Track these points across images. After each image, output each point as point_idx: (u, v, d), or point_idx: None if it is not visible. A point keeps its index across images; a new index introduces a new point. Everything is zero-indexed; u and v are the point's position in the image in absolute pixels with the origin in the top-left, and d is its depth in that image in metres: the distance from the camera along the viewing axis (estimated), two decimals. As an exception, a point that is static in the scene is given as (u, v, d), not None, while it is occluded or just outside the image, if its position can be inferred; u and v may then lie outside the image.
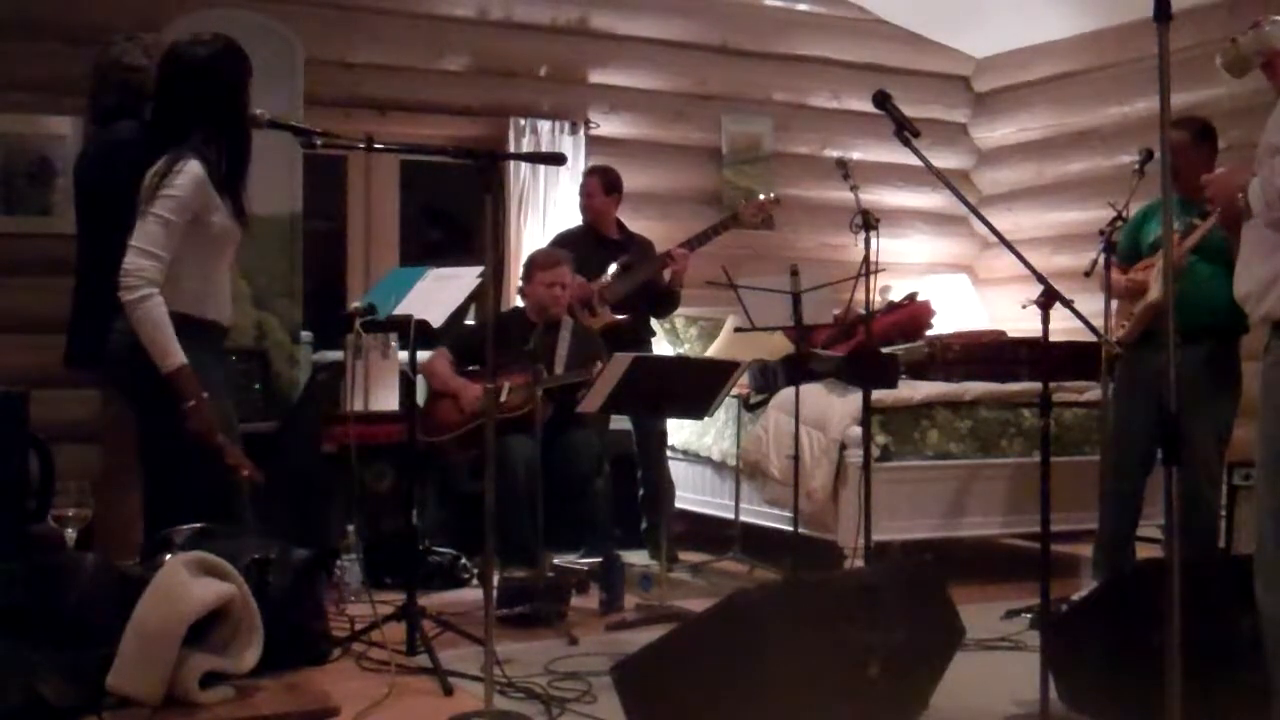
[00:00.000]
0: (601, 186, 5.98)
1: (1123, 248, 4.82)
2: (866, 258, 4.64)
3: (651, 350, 6.02)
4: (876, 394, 4.99)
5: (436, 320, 4.17)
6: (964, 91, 7.93)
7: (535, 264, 5.44)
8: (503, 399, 4.95)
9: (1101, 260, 4.77)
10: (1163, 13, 2.30)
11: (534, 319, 5.28)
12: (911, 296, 6.73)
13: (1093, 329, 3.36)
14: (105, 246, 3.50)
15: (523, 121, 6.61)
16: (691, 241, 5.90)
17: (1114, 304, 4.81)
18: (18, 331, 5.46)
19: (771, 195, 6.32)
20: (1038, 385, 3.51)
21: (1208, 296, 4.28)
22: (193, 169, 3.42)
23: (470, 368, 5.30)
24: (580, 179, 6.24)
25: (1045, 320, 3.29)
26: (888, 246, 5.79)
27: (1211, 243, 4.26)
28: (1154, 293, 4.53)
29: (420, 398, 5.20)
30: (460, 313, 4.37)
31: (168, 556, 2.92)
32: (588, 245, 5.84)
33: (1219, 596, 3.03)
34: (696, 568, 5.68)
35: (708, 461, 6.11)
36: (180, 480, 3.49)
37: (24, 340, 5.39)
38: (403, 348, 4.79)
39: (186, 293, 3.49)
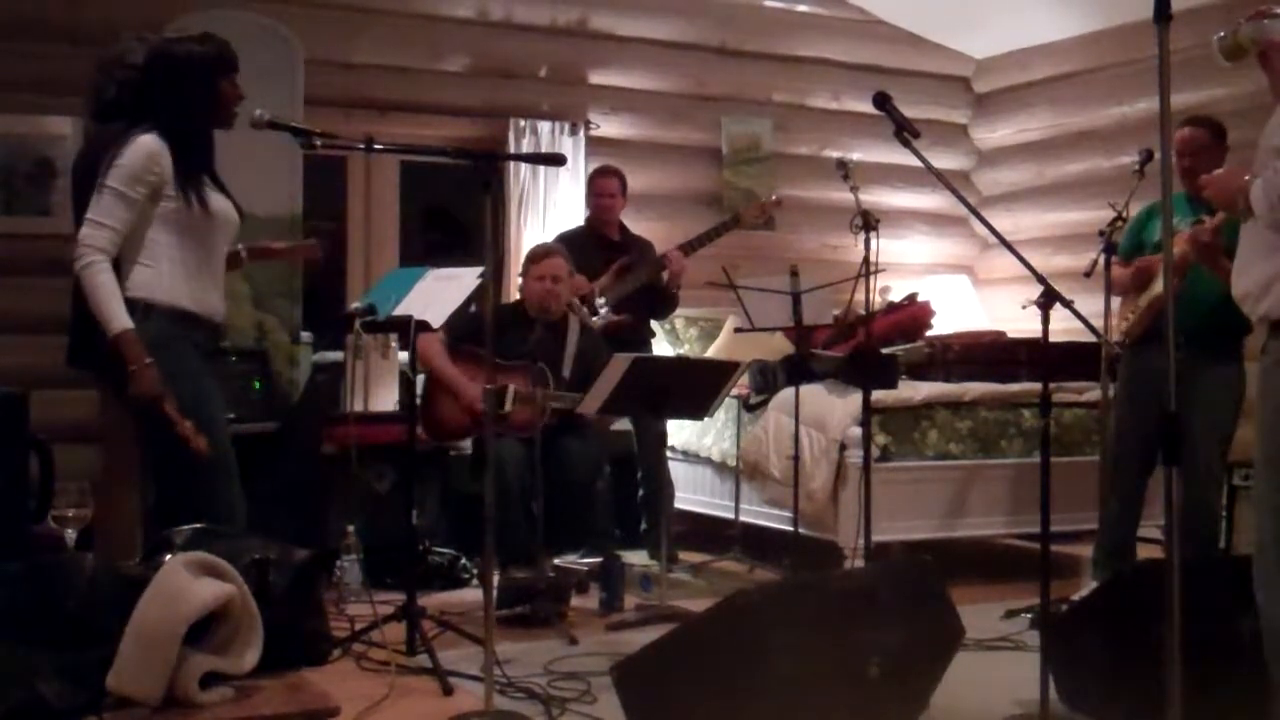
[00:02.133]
0: (620, 187, 5.99)
1: (1125, 247, 4.81)
2: (866, 258, 4.64)
3: (651, 351, 6.02)
4: (876, 394, 4.99)
5: (436, 321, 4.17)
6: (964, 92, 7.93)
7: (529, 259, 5.44)
8: (507, 408, 4.93)
9: (1101, 261, 4.77)
10: (1163, 13, 2.30)
11: (534, 315, 5.28)
12: (911, 297, 6.73)
13: (1093, 329, 3.37)
14: None
15: (522, 122, 6.61)
16: (690, 244, 5.91)
17: (1115, 301, 4.80)
18: (18, 332, 5.46)
19: (774, 197, 6.34)
20: (1038, 385, 3.51)
21: (1212, 296, 4.28)
22: (144, 141, 3.44)
23: (466, 349, 5.23)
24: (583, 179, 6.24)
25: (1045, 321, 3.29)
26: (888, 247, 5.80)
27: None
28: (1159, 285, 4.52)
29: (419, 389, 5.18)
30: (462, 311, 4.38)
31: (168, 556, 2.92)
32: (589, 247, 5.84)
33: (1219, 596, 3.03)
34: (696, 568, 5.68)
35: (708, 462, 6.11)
36: (181, 477, 3.48)
37: (24, 340, 5.39)
38: (403, 348, 4.78)
39: (165, 278, 3.49)
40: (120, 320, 3.37)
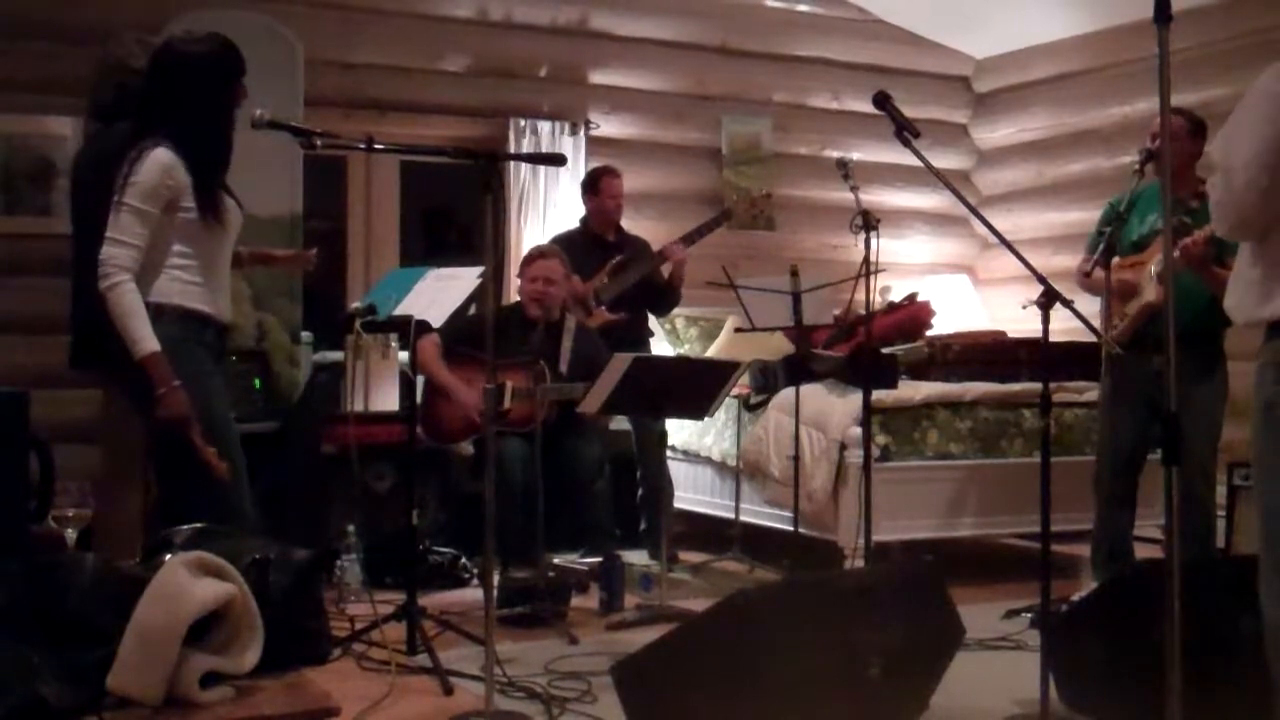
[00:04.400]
0: (622, 189, 5.99)
1: (1095, 240, 4.69)
2: (866, 258, 4.64)
3: (651, 350, 6.02)
4: (876, 394, 4.99)
5: (437, 321, 4.17)
6: (964, 92, 7.94)
7: (524, 260, 5.46)
8: (506, 405, 4.93)
9: (1100, 261, 4.74)
10: (1163, 13, 2.30)
11: (532, 317, 5.28)
12: (911, 297, 6.73)
13: (1093, 329, 3.37)
14: (99, 246, 3.51)
15: (523, 122, 6.61)
16: (689, 236, 5.93)
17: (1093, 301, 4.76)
18: (18, 331, 5.46)
19: (764, 192, 6.36)
20: (1038, 385, 3.51)
21: (1194, 299, 4.29)
22: (158, 155, 3.42)
23: (462, 351, 5.23)
24: (582, 179, 6.23)
25: (1045, 320, 3.29)
26: (888, 247, 5.80)
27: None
28: (1149, 293, 4.51)
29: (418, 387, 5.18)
30: (461, 313, 4.37)
31: (168, 556, 2.92)
32: (586, 247, 5.84)
33: (1219, 596, 3.03)
34: (696, 568, 5.67)
35: (708, 461, 6.11)
36: (189, 478, 3.49)
37: (24, 340, 5.39)
38: (403, 348, 4.78)
39: (176, 282, 3.49)
40: (149, 342, 3.37)
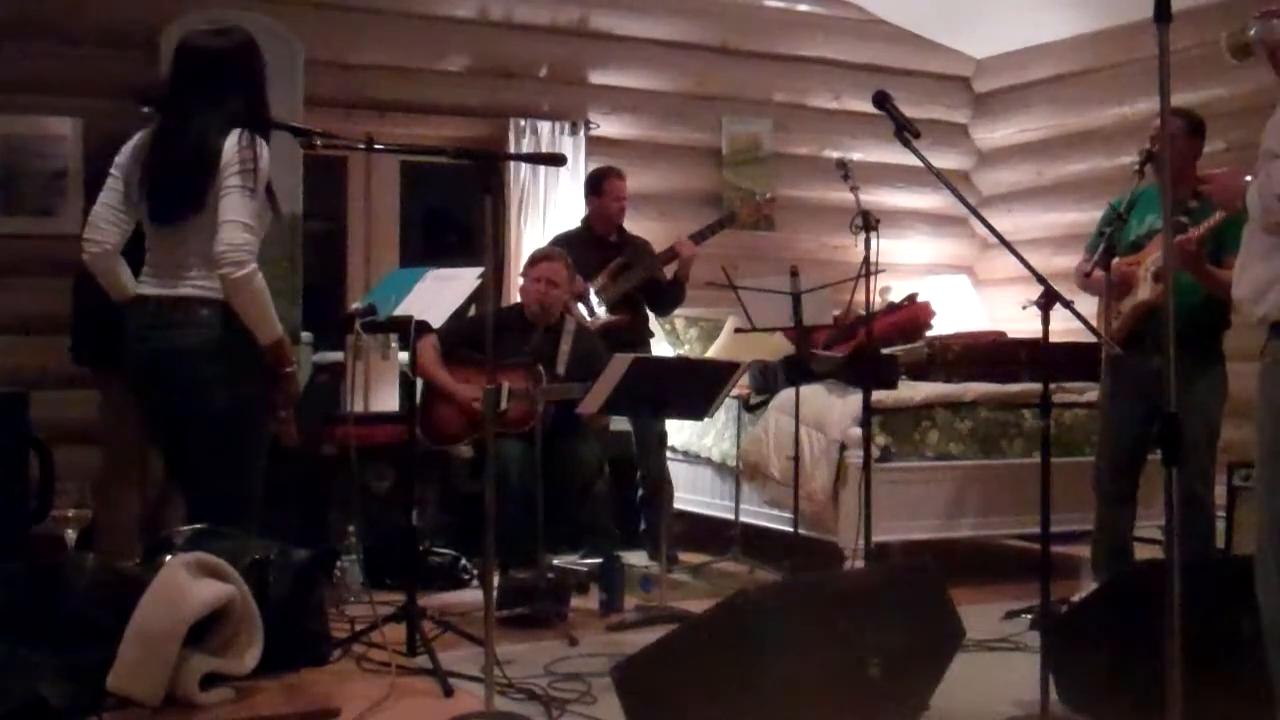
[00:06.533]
0: (626, 190, 5.99)
1: (1095, 241, 4.65)
2: (866, 258, 4.64)
3: (651, 351, 6.02)
4: (876, 395, 4.99)
5: (437, 321, 4.17)
6: (964, 92, 7.93)
7: (528, 261, 5.46)
8: (503, 406, 4.93)
9: (1099, 262, 4.73)
10: (1163, 13, 2.30)
11: (530, 317, 5.28)
12: (911, 297, 6.73)
13: (1093, 330, 3.37)
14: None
15: (523, 122, 6.61)
16: (698, 234, 5.94)
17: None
18: (18, 332, 5.47)
19: (768, 195, 6.35)
20: (1038, 386, 3.51)
21: (1191, 298, 4.28)
22: (266, 150, 3.42)
23: (460, 352, 5.23)
24: (583, 179, 6.23)
25: (1045, 321, 3.30)
26: (888, 247, 5.79)
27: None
28: (1144, 291, 4.51)
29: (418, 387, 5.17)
30: (460, 314, 4.37)
31: (168, 557, 2.92)
32: (588, 247, 5.84)
33: (1219, 596, 3.03)
34: (696, 568, 5.67)
35: (708, 462, 6.11)
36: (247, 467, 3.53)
37: (24, 340, 5.40)
38: (403, 348, 4.78)
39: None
40: (279, 326, 3.46)
